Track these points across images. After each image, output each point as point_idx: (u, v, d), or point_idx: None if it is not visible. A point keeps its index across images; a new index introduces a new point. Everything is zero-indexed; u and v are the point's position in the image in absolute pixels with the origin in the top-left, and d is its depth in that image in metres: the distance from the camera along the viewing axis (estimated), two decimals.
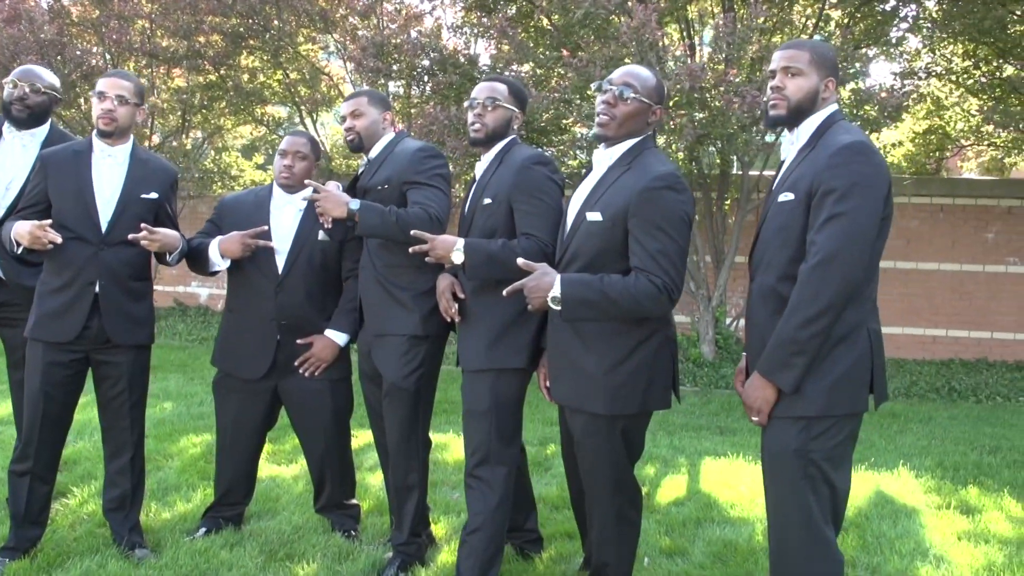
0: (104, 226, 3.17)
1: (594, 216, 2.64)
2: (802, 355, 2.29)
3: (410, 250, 2.94)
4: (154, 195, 3.28)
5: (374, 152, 3.34)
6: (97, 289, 3.15)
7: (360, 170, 3.41)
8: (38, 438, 3.19)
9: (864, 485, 4.51)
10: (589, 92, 6.68)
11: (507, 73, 7.84)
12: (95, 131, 3.23)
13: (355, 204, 3.03)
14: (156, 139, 10.78)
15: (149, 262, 3.35)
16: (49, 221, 3.04)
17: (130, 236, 3.12)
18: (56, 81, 3.64)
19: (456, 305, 3.01)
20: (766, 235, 2.48)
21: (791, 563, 2.39)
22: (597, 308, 2.56)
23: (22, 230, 3.02)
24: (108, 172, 3.22)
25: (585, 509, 3.00)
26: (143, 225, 3.12)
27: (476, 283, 2.97)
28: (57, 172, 3.18)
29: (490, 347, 2.93)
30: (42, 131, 3.55)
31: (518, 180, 2.92)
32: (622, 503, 2.85)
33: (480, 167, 3.12)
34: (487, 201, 2.98)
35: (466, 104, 3.17)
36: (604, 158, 2.75)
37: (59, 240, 3.02)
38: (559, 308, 2.57)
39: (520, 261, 2.64)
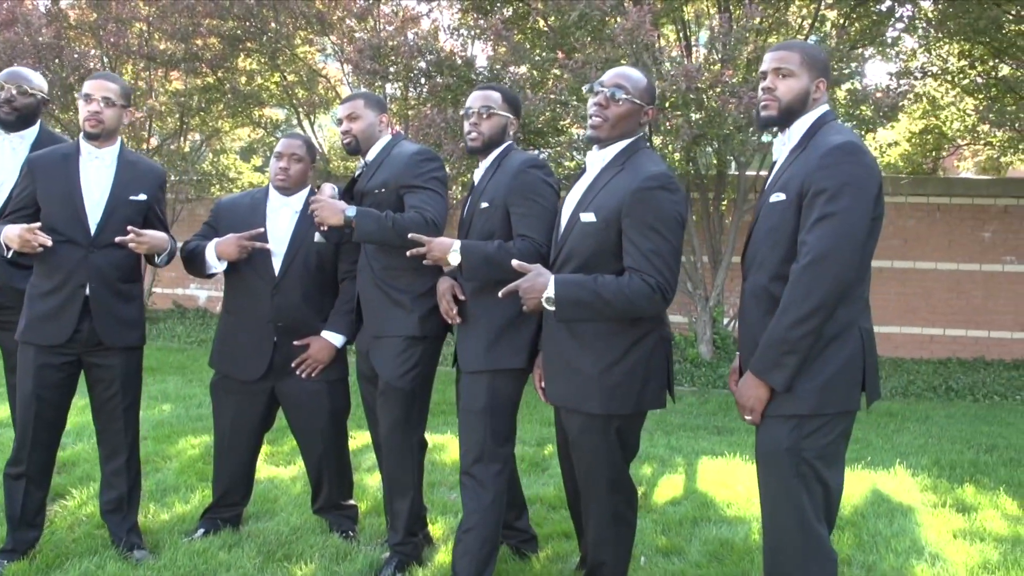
0: (93, 229, 3.16)
1: (588, 217, 2.66)
2: (794, 354, 2.30)
3: (408, 253, 2.96)
4: (142, 197, 3.27)
5: (371, 155, 3.36)
6: (87, 292, 3.15)
7: (357, 172, 3.43)
8: (31, 441, 3.20)
9: (860, 483, 4.52)
10: (584, 93, 6.70)
11: (504, 75, 7.87)
12: (82, 134, 3.23)
13: (351, 211, 3.07)
14: (154, 142, 10.78)
15: (139, 264, 3.34)
16: (38, 224, 3.05)
17: (117, 239, 3.12)
18: (44, 82, 3.63)
19: (456, 307, 3.03)
20: (758, 235, 2.49)
21: (785, 561, 2.41)
22: (591, 308, 2.58)
23: (11, 234, 3.03)
24: (96, 175, 3.21)
25: (581, 509, 3.02)
26: (130, 228, 3.11)
27: (475, 285, 3.00)
28: (45, 175, 3.18)
29: (489, 348, 2.96)
30: (31, 133, 3.55)
31: (514, 184, 2.97)
32: (618, 503, 2.86)
33: (478, 173, 3.17)
34: (484, 205, 3.02)
35: (462, 112, 3.20)
36: (597, 159, 2.78)
37: (49, 243, 3.03)
38: (553, 309, 2.59)
39: (515, 263, 2.66)
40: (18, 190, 3.24)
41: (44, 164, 3.20)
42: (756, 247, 2.49)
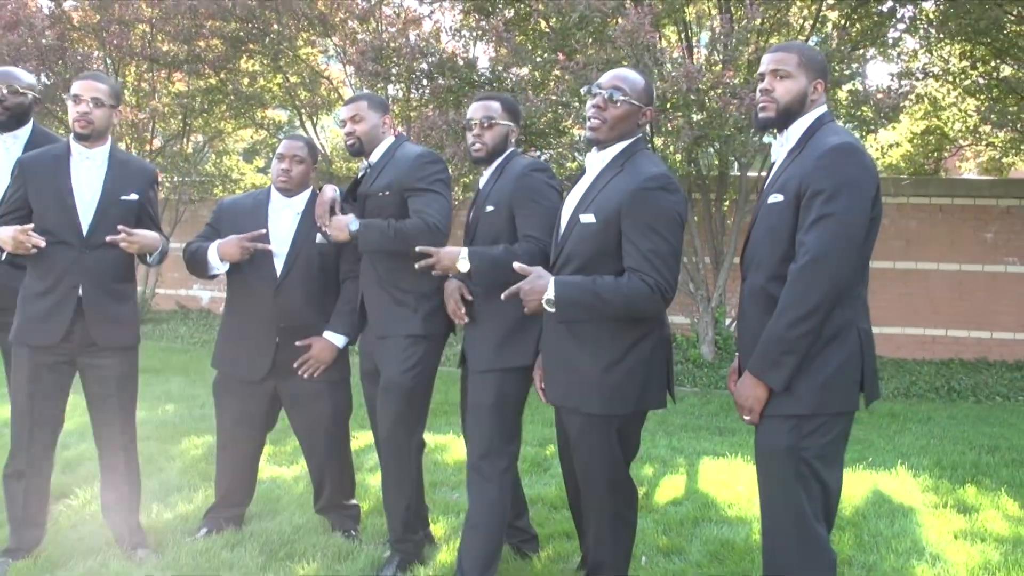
0: (85, 229, 3.17)
1: (587, 218, 2.68)
2: (792, 354, 2.31)
3: (416, 266, 3.02)
4: (134, 196, 3.27)
5: (375, 156, 3.38)
6: (80, 292, 3.16)
7: (360, 174, 3.45)
8: (28, 441, 3.21)
9: (862, 484, 4.53)
10: (583, 95, 6.71)
11: (505, 76, 7.88)
12: (72, 134, 3.22)
13: (354, 225, 3.15)
14: (157, 143, 10.81)
15: (132, 264, 3.34)
16: (31, 225, 3.06)
17: (108, 238, 3.12)
18: (34, 81, 3.64)
19: (464, 307, 3.09)
20: (756, 236, 2.51)
21: (784, 561, 2.42)
22: (591, 309, 2.60)
23: (4, 236, 3.05)
24: (87, 175, 3.21)
25: (582, 509, 3.03)
26: (120, 227, 3.12)
27: (483, 287, 3.03)
28: (36, 177, 3.18)
29: (498, 348, 3.02)
30: (24, 132, 3.56)
31: (518, 186, 3.03)
32: (618, 502, 2.88)
33: (483, 179, 3.23)
34: (490, 208, 3.08)
35: (463, 124, 3.25)
36: (597, 161, 2.79)
37: (42, 244, 3.04)
38: (553, 310, 2.61)
39: (516, 265, 2.69)
40: (10, 192, 3.24)
41: (35, 165, 3.21)
42: (755, 248, 2.51)
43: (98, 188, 3.21)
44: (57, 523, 3.60)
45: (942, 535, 3.81)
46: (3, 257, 3.10)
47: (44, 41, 9.25)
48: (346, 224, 3.16)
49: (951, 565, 3.44)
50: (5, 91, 3.48)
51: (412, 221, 3.12)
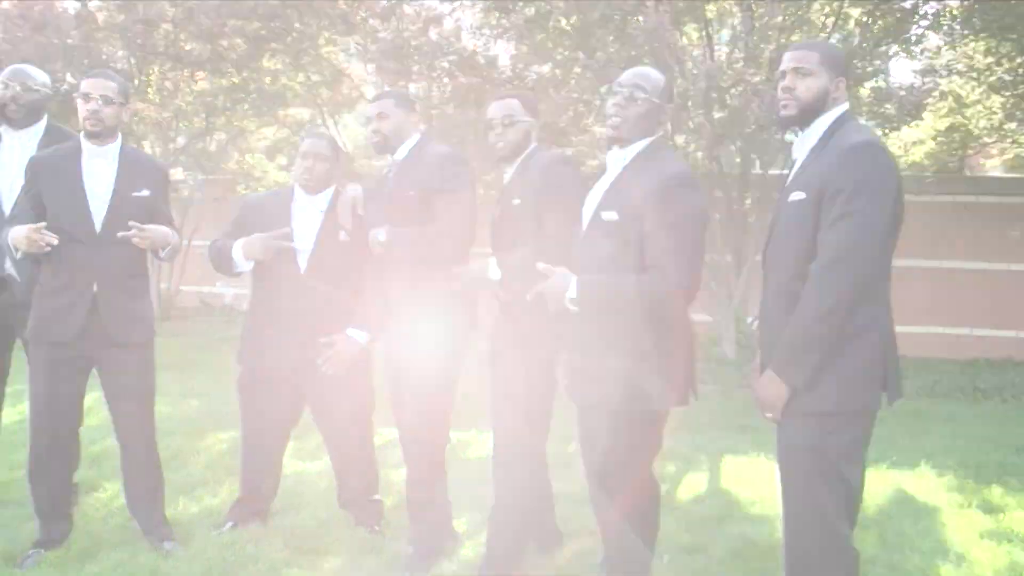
0: (98, 226, 3.20)
1: (609, 216, 2.69)
2: (813, 352, 2.31)
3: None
4: (145, 192, 3.30)
5: (400, 154, 3.41)
6: (95, 289, 3.19)
7: (386, 171, 3.48)
8: (48, 437, 3.26)
9: (885, 483, 4.50)
10: (603, 94, 6.72)
11: (526, 74, 7.88)
12: (82, 132, 3.26)
13: (382, 236, 3.22)
14: (181, 141, 10.90)
15: (145, 260, 3.38)
16: (43, 224, 3.11)
17: (119, 234, 3.15)
18: (47, 78, 3.69)
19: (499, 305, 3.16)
20: (778, 234, 2.51)
21: (805, 559, 2.42)
22: (613, 308, 2.61)
23: (18, 235, 3.10)
24: (99, 172, 3.24)
25: (604, 506, 3.04)
26: (131, 223, 3.15)
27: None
28: (48, 176, 3.23)
29: (527, 337, 3.06)
30: (38, 129, 3.61)
31: (544, 180, 3.06)
32: (640, 500, 2.88)
33: (507, 176, 3.27)
34: (516, 202, 3.12)
35: (484, 125, 3.30)
36: (618, 158, 2.80)
37: (55, 241, 3.08)
38: (576, 309, 2.63)
39: (540, 266, 2.71)
40: (23, 192, 3.29)
41: (47, 164, 3.26)
42: (776, 246, 2.51)
43: (110, 185, 3.24)
44: (86, 516, 3.66)
45: (967, 535, 3.78)
46: (18, 256, 3.15)
47: (69, 41, 9.34)
48: (375, 236, 3.23)
49: (976, 565, 3.42)
50: (19, 89, 3.53)
51: (436, 227, 3.18)
